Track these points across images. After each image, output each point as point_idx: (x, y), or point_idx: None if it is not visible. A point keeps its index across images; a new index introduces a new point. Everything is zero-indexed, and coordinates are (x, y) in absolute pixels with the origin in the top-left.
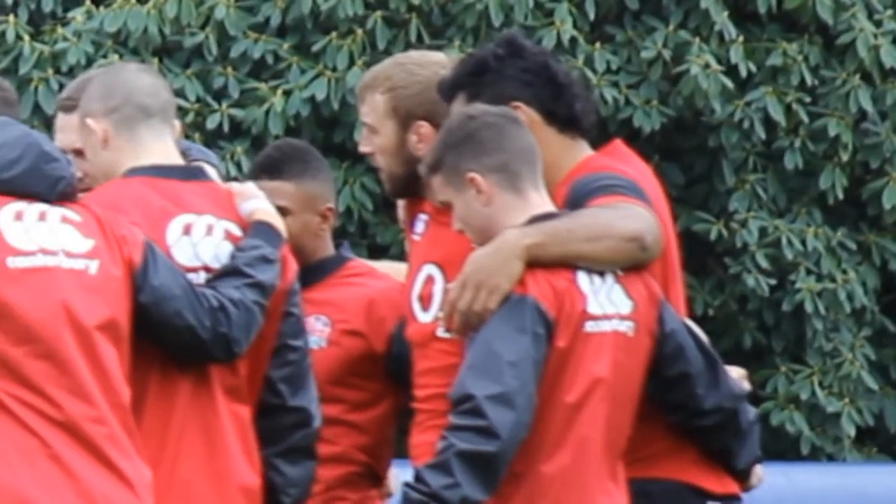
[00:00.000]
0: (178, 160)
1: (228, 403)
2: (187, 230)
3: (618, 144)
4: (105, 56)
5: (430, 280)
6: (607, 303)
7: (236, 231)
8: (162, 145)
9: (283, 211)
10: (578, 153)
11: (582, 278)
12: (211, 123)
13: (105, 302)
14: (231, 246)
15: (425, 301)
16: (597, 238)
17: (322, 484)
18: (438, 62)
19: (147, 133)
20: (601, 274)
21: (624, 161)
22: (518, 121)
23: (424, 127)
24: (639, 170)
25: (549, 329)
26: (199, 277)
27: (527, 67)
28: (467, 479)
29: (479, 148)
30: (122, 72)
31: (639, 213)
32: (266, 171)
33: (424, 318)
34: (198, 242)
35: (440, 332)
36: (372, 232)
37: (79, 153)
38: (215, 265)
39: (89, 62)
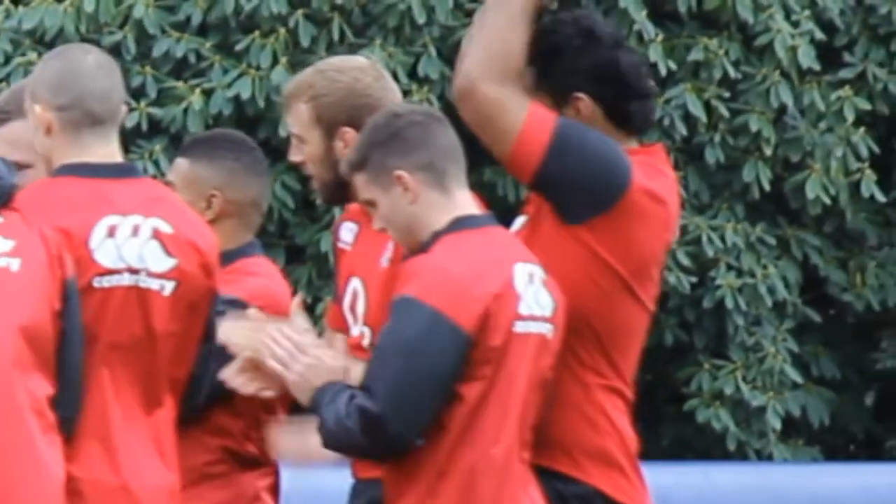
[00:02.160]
0: (116, 159)
1: (144, 407)
2: (111, 232)
3: (660, 148)
4: (24, 54)
5: (355, 295)
6: (535, 304)
7: (166, 228)
8: (104, 149)
9: (170, 186)
10: (624, 144)
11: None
12: (129, 122)
13: (26, 303)
14: (158, 244)
15: (353, 314)
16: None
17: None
18: (359, 67)
19: (91, 137)
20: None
21: (649, 165)
22: (442, 120)
23: (349, 132)
24: (654, 173)
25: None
26: (124, 279)
27: (599, 63)
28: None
29: (405, 145)
30: (79, 66)
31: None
32: (182, 147)
33: (354, 330)
34: (122, 244)
35: (365, 343)
36: (291, 232)
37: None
38: (139, 266)
39: (7, 60)
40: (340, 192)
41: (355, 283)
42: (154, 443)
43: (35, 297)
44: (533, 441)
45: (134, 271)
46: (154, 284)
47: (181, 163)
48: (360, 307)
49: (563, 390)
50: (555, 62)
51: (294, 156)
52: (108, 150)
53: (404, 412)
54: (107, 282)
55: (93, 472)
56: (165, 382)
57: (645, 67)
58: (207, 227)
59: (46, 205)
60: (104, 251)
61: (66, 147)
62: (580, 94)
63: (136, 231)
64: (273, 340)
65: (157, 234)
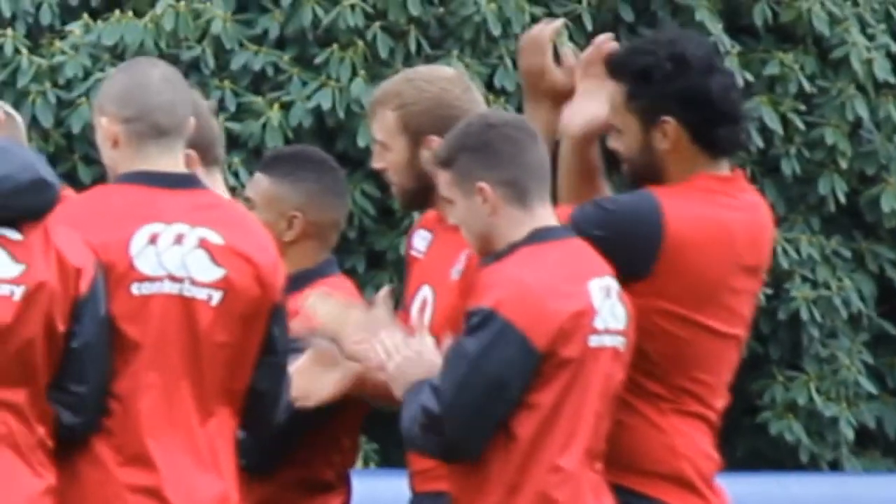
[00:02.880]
0: (178, 170)
1: (197, 415)
2: (153, 240)
3: (739, 175)
4: (102, 70)
5: (424, 303)
6: (611, 318)
7: (216, 238)
8: (168, 160)
9: (249, 202)
10: (703, 167)
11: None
12: None
13: (25, 326)
14: (205, 253)
15: (420, 322)
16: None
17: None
18: (447, 77)
19: (155, 148)
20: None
21: (709, 191)
22: (534, 135)
23: (435, 141)
24: (711, 200)
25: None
26: (164, 286)
27: (689, 88)
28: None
29: (493, 159)
30: (145, 80)
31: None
32: (262, 162)
33: None
34: (163, 252)
35: None
36: (371, 239)
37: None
38: (181, 273)
39: (87, 75)
40: (420, 200)
41: (425, 291)
42: (208, 451)
43: (30, 323)
44: (610, 461)
45: (176, 279)
46: (200, 294)
47: (261, 179)
48: (427, 315)
49: (639, 416)
50: (645, 85)
51: (377, 163)
52: (172, 161)
53: (464, 416)
54: (146, 289)
55: (136, 478)
56: (219, 393)
57: (737, 91)
58: (269, 242)
59: (92, 213)
60: (144, 258)
61: (131, 158)
62: (668, 118)
63: (179, 240)
64: (385, 335)
65: (203, 244)
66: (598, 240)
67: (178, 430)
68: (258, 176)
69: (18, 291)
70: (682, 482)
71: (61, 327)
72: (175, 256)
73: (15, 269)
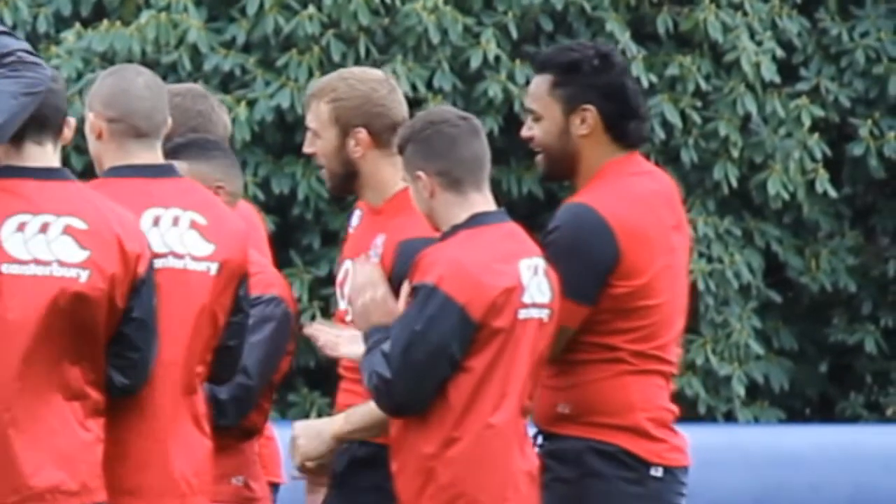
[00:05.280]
0: (157, 161)
1: (199, 376)
2: (156, 222)
3: (635, 154)
4: (93, 71)
5: (346, 275)
6: (537, 293)
7: (201, 220)
8: (147, 155)
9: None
10: (613, 155)
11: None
12: None
13: (86, 311)
14: (197, 233)
15: (342, 291)
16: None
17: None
18: (376, 79)
19: (135, 146)
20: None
21: (629, 174)
22: (474, 131)
23: (361, 133)
24: (634, 177)
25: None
26: (169, 262)
27: (610, 83)
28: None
29: (429, 152)
30: (129, 86)
31: None
32: (168, 152)
33: (341, 304)
34: (165, 232)
35: (348, 318)
36: (325, 219)
37: None
38: (183, 251)
39: (79, 76)
40: (347, 185)
41: (348, 264)
42: (201, 412)
43: (93, 305)
44: (577, 419)
45: (178, 256)
46: (201, 266)
47: (181, 166)
48: (348, 286)
49: (601, 379)
50: (571, 75)
51: (308, 148)
52: (152, 156)
53: (411, 379)
54: (156, 264)
55: (151, 440)
56: (207, 353)
57: (642, 96)
58: (236, 217)
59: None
60: (151, 238)
61: (114, 152)
62: (589, 106)
63: (175, 221)
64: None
65: (194, 224)
66: (569, 264)
67: (185, 394)
68: (175, 164)
69: (84, 274)
70: (637, 431)
71: (120, 305)
72: (175, 236)
73: (81, 255)
